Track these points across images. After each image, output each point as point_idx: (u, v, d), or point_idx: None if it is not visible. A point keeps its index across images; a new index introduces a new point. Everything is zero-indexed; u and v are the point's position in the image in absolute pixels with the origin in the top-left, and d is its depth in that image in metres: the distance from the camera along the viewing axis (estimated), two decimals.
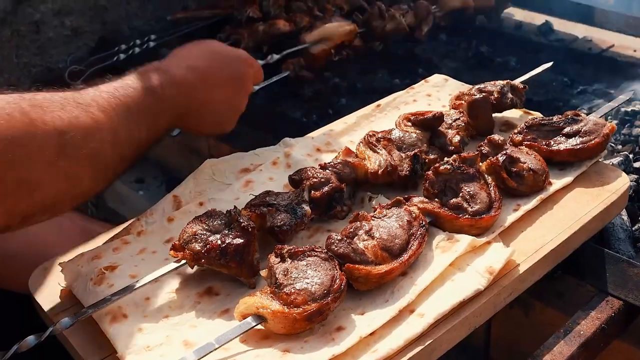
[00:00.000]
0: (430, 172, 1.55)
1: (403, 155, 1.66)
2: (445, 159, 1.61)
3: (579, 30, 3.10)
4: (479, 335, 1.83)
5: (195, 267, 1.43)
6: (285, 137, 1.88)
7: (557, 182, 1.66)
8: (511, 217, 1.55)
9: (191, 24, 2.95)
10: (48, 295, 1.46)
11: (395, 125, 1.79)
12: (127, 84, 1.63)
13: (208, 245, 1.37)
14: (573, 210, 1.60)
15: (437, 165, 1.56)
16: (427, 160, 1.67)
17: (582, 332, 1.49)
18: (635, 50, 2.94)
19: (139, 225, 1.57)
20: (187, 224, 1.44)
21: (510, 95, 1.89)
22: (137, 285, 1.36)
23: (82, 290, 1.42)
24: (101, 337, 1.32)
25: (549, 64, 2.16)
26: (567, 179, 1.67)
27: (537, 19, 3.20)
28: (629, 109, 2.36)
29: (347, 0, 3.00)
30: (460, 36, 3.20)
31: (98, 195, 2.84)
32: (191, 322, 1.34)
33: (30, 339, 1.23)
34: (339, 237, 1.35)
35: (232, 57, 1.95)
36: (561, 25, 3.14)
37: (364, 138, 1.72)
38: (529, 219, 1.57)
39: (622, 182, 1.68)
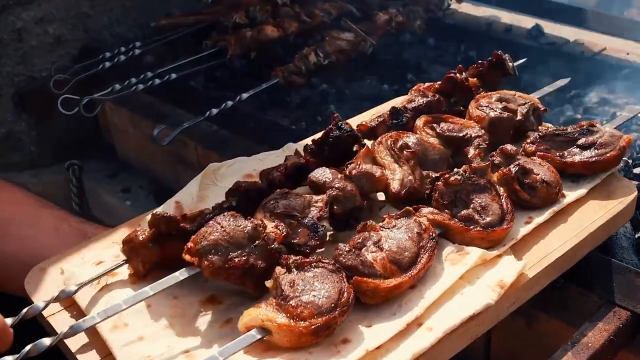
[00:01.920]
0: (440, 183, 1.55)
1: (424, 173, 1.64)
2: (455, 169, 1.59)
3: (569, 33, 3.14)
4: (479, 347, 1.83)
5: None
6: (275, 146, 1.90)
7: (570, 195, 1.67)
8: (523, 230, 1.56)
9: (177, 31, 2.93)
10: (44, 296, 1.45)
11: (415, 128, 1.76)
12: None
13: (231, 263, 1.34)
14: (579, 219, 1.62)
15: (447, 175, 1.55)
16: None
17: (590, 344, 1.50)
18: (628, 54, 2.98)
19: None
20: (207, 226, 1.39)
21: (532, 119, 1.88)
22: (150, 293, 1.35)
23: (83, 296, 1.42)
24: (99, 340, 1.34)
25: (566, 80, 2.17)
26: (581, 192, 1.69)
27: (526, 22, 3.24)
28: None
29: (335, 5, 2.99)
30: (448, 40, 3.24)
31: (84, 206, 2.83)
32: (193, 332, 1.35)
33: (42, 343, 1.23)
34: (347, 249, 1.35)
35: None
36: (551, 28, 3.17)
37: (386, 141, 1.67)
38: (540, 231, 1.58)
39: (629, 192, 1.70)
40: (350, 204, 1.52)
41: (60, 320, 1.42)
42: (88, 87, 2.53)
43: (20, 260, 1.71)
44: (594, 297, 1.65)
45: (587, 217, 1.62)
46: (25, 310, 1.31)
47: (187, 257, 1.35)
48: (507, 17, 3.37)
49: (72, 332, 1.27)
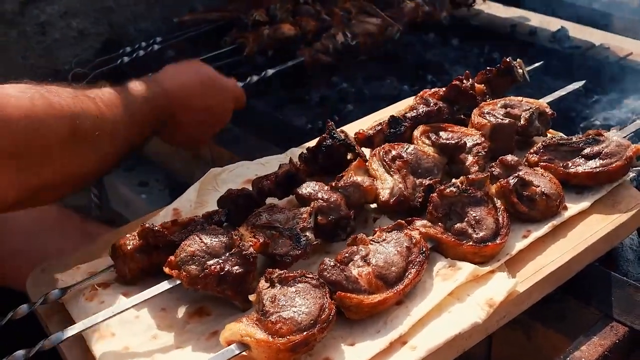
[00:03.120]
0: (434, 195, 1.53)
1: (417, 182, 1.63)
2: (453, 180, 1.57)
3: (597, 36, 3.05)
4: (480, 357, 1.80)
5: None
6: (288, 144, 1.91)
7: (573, 207, 1.64)
8: (520, 244, 1.54)
9: (199, 27, 2.95)
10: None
11: (413, 138, 1.76)
12: (127, 89, 1.90)
13: (206, 270, 1.37)
14: (580, 232, 1.59)
15: (442, 187, 1.53)
16: None
17: (583, 359, 1.47)
18: None
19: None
20: (186, 240, 1.43)
21: (537, 124, 1.85)
22: (127, 306, 1.38)
23: (73, 304, 1.46)
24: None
25: (580, 83, 2.13)
26: (584, 205, 1.65)
27: (554, 24, 3.15)
28: None
29: (354, 4, 2.97)
30: (472, 41, 3.19)
31: (103, 197, 2.88)
32: (178, 343, 1.36)
33: (18, 355, 1.27)
34: (332, 264, 1.35)
35: (220, 86, 2.20)
36: (578, 31, 3.08)
37: (379, 152, 1.69)
38: (538, 245, 1.56)
39: (634, 202, 1.66)
40: (335, 214, 1.52)
41: (56, 321, 1.46)
42: (107, 81, 2.57)
43: (25, 257, 1.80)
44: (593, 310, 1.62)
45: (589, 229, 1.59)
46: (10, 313, 1.37)
47: (166, 269, 1.38)
48: (536, 18, 3.29)
49: (50, 343, 1.29)
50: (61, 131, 1.57)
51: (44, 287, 1.50)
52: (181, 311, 1.43)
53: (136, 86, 1.93)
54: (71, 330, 1.33)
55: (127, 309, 1.37)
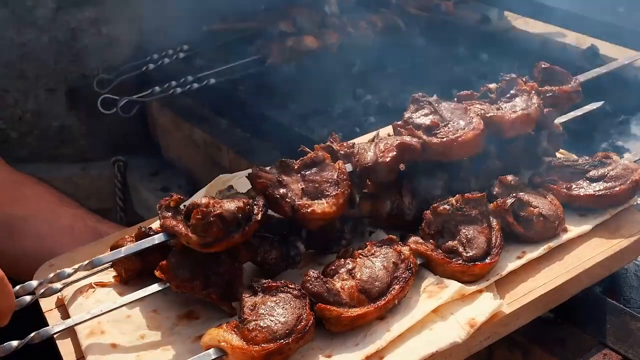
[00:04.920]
0: (428, 212, 1.53)
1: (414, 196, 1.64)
2: (450, 197, 1.58)
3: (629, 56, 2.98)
4: None
5: None
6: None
7: (573, 230, 1.63)
8: (512, 265, 1.53)
9: (228, 36, 2.99)
10: (47, 291, 1.52)
11: None
12: None
13: (193, 276, 1.40)
14: (577, 255, 1.57)
15: (435, 204, 1.53)
16: None
17: None
18: None
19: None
20: (178, 245, 1.46)
21: (544, 145, 1.84)
22: (117, 305, 1.43)
23: (72, 300, 1.52)
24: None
25: (598, 104, 2.10)
26: (585, 228, 1.64)
27: (584, 41, 3.11)
28: None
29: (381, 17, 2.99)
30: (502, 57, 3.16)
31: (126, 202, 2.95)
32: (165, 345, 1.40)
33: (9, 345, 1.31)
34: (315, 275, 1.37)
35: None
36: (608, 49, 3.03)
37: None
38: (533, 267, 1.55)
39: (638, 228, 1.63)
40: (327, 227, 1.53)
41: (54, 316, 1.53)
42: (134, 88, 2.65)
43: (37, 256, 1.80)
44: (589, 336, 1.61)
45: (586, 253, 1.57)
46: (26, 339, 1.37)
47: (157, 273, 1.42)
48: (571, 35, 3.25)
49: (40, 336, 1.34)
50: None
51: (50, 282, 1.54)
52: (171, 314, 1.47)
53: None
54: (60, 326, 1.38)
55: (116, 308, 1.42)
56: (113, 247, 1.53)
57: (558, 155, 1.91)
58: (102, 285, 1.54)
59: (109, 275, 1.57)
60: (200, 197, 1.73)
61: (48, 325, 1.49)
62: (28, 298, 1.42)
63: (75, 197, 2.97)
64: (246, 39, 3.00)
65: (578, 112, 2.06)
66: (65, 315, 1.50)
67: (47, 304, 1.55)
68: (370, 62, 3.15)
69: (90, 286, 1.53)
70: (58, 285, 1.49)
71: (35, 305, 1.49)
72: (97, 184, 3.03)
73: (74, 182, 3.01)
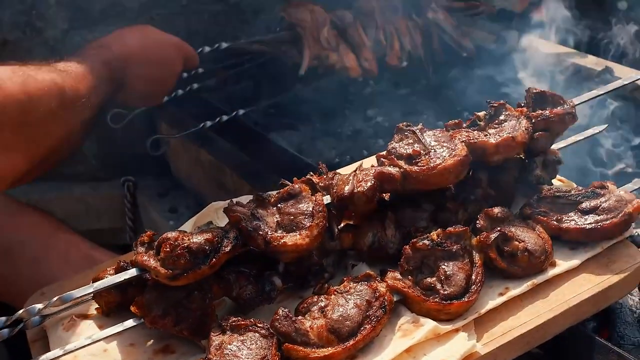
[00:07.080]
0: (407, 247, 1.51)
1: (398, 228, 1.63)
2: (436, 229, 1.56)
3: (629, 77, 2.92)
4: None
5: None
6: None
7: (562, 265, 1.59)
8: (493, 303, 1.50)
9: (240, 58, 3.00)
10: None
11: None
12: (86, 58, 2.16)
13: (165, 312, 1.41)
14: (562, 292, 1.53)
15: (415, 240, 1.51)
16: None
17: None
18: None
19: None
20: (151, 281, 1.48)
21: (538, 172, 1.80)
22: (94, 339, 1.45)
23: (53, 332, 1.53)
24: None
25: (602, 128, 2.04)
26: (574, 262, 1.60)
27: (599, 63, 3.05)
28: None
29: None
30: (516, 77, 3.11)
31: (136, 222, 2.97)
32: None
33: None
34: (284, 314, 1.36)
35: (165, 43, 2.51)
36: (620, 71, 2.97)
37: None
38: (515, 305, 1.52)
39: (631, 263, 1.59)
40: (304, 262, 1.53)
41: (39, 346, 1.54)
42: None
43: (32, 281, 1.86)
44: None
45: (573, 290, 1.53)
46: None
47: (132, 308, 1.43)
48: (588, 58, 3.21)
49: None
50: (51, 104, 1.87)
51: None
52: (148, 348, 1.47)
53: (92, 54, 2.22)
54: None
55: (92, 343, 1.43)
56: (95, 280, 1.55)
57: (556, 182, 1.88)
58: (84, 317, 1.56)
59: (93, 307, 1.59)
60: (187, 227, 1.79)
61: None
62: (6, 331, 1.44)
63: (87, 216, 3.04)
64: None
65: (579, 137, 2.01)
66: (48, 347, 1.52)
67: (34, 334, 1.57)
68: (384, 82, 3.15)
69: (72, 318, 1.55)
70: (37, 318, 1.51)
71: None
72: (108, 204, 3.06)
73: (85, 201, 3.05)
